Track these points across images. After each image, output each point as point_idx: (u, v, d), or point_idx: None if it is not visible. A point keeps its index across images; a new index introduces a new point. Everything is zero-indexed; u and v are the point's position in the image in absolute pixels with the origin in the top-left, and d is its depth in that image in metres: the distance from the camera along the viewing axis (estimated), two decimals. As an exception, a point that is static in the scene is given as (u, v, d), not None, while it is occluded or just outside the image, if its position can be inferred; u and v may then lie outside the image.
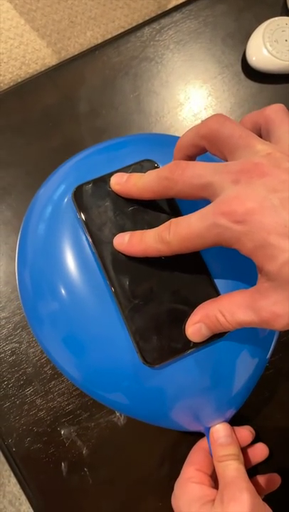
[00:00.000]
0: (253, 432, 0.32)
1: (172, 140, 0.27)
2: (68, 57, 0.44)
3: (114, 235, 0.25)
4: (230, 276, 0.25)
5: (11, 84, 0.49)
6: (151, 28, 0.43)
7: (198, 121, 0.42)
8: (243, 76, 0.43)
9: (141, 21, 0.44)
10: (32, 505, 0.36)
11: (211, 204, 0.21)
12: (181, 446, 0.36)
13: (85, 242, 0.25)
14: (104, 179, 0.26)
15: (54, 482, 0.36)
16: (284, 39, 0.40)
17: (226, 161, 0.22)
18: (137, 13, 0.46)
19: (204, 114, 0.42)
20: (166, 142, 0.28)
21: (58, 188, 0.27)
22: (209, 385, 0.26)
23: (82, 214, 0.25)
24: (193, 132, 0.23)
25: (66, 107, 0.42)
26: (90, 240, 0.25)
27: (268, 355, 0.28)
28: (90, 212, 0.25)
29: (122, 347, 0.25)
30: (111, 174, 0.26)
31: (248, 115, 0.24)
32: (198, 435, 0.34)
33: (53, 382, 0.37)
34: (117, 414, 0.37)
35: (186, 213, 0.23)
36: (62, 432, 0.37)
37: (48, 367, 0.37)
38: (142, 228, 0.25)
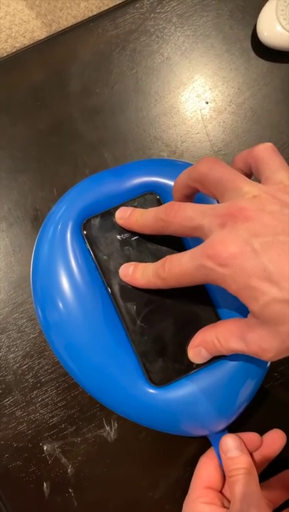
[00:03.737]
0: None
1: (175, 165, 0.30)
2: (59, 30, 0.41)
3: (121, 264, 0.28)
4: (229, 302, 0.28)
5: (-3, 61, 0.45)
6: (152, -1, 0.40)
7: (203, 103, 0.39)
8: (252, 54, 0.39)
9: (140, -8, 0.40)
10: (9, 530, 0.33)
11: (201, 245, 0.23)
12: (178, 465, 0.34)
13: (94, 271, 0.28)
14: (111, 212, 0.29)
15: (35, 504, 0.33)
16: (299, 12, 0.37)
17: (217, 201, 0.25)
18: (137, -16, 0.43)
19: (209, 95, 0.39)
20: (171, 166, 0.31)
21: (69, 212, 0.29)
22: (212, 398, 0.27)
23: (91, 245, 0.29)
24: (186, 175, 0.26)
25: (56, 85, 0.39)
26: (99, 269, 0.28)
27: (267, 366, 0.29)
28: (98, 243, 0.29)
29: (128, 368, 0.27)
30: (116, 207, 0.29)
31: (239, 154, 0.26)
32: (198, 453, 0.32)
33: (35, 392, 0.34)
34: (107, 428, 0.34)
35: (186, 242, 0.29)
36: (44, 448, 0.34)
37: (30, 375, 0.34)
38: (146, 257, 0.28)
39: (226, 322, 0.25)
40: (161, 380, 0.27)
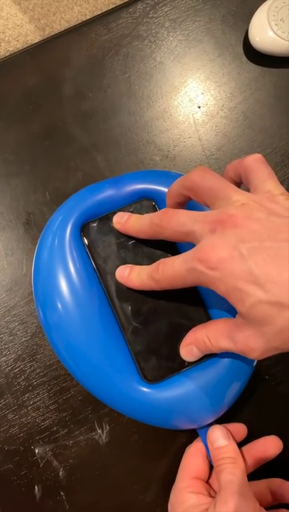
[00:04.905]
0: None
1: (169, 175, 0.32)
2: (53, 34, 0.41)
3: (117, 267, 0.29)
4: (219, 303, 0.29)
5: (-9, 64, 0.46)
6: (145, 4, 0.40)
7: (195, 107, 0.39)
8: (244, 58, 0.40)
9: (134, -4, 0.41)
10: (1, 534, 0.33)
11: (192, 250, 0.24)
12: (170, 468, 0.34)
13: (92, 273, 0.29)
14: (108, 217, 0.30)
15: (26, 508, 0.34)
16: (291, 18, 0.38)
17: (208, 208, 0.26)
18: (130, -11, 0.43)
19: (201, 100, 0.39)
20: (166, 176, 0.33)
21: (68, 218, 0.30)
22: (203, 394, 0.28)
23: (89, 248, 0.30)
24: (179, 184, 0.27)
25: (49, 89, 0.39)
26: (97, 271, 0.29)
27: (254, 364, 0.31)
28: (96, 246, 0.30)
29: (123, 366, 0.28)
30: (114, 212, 0.30)
31: (229, 164, 0.28)
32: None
33: (27, 395, 0.34)
34: (99, 431, 0.34)
35: (179, 246, 0.30)
36: (36, 451, 0.34)
37: (22, 378, 0.34)
38: (141, 260, 0.30)
39: (216, 322, 0.26)
40: (155, 378, 0.29)
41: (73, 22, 0.43)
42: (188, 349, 0.27)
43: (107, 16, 0.41)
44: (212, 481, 0.30)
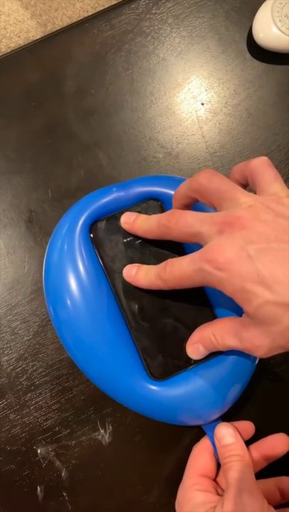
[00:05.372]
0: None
1: (175, 180, 0.32)
2: (54, 30, 0.41)
3: (125, 266, 0.29)
4: (225, 303, 0.30)
5: (-8, 61, 0.45)
6: (148, 0, 0.40)
7: (198, 104, 0.39)
8: (248, 55, 0.40)
9: (136, -8, 0.40)
10: (3, 535, 0.33)
11: (200, 250, 0.24)
12: (173, 468, 0.34)
13: (100, 272, 0.30)
14: (116, 216, 0.31)
15: (28, 509, 0.33)
16: (295, 14, 0.37)
17: (215, 210, 0.26)
18: (132, -15, 0.43)
19: (205, 97, 0.39)
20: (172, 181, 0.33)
21: (77, 219, 0.31)
22: (208, 391, 0.29)
23: (97, 247, 0.30)
24: (186, 186, 0.27)
25: (51, 86, 0.39)
26: (104, 270, 0.30)
27: (256, 361, 0.31)
28: (104, 245, 0.30)
29: (130, 363, 0.29)
30: (122, 212, 0.30)
31: (236, 166, 0.28)
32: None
33: (29, 395, 0.34)
34: (101, 431, 0.34)
35: (186, 246, 0.30)
36: (38, 451, 0.33)
37: (24, 377, 0.34)
38: (148, 260, 0.30)
39: (222, 320, 0.27)
40: (161, 375, 0.29)
41: (75, 18, 0.43)
42: (195, 347, 0.28)
43: (110, 11, 0.40)
44: (219, 479, 0.30)
